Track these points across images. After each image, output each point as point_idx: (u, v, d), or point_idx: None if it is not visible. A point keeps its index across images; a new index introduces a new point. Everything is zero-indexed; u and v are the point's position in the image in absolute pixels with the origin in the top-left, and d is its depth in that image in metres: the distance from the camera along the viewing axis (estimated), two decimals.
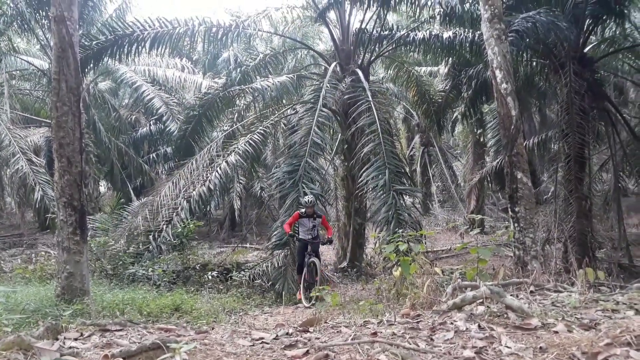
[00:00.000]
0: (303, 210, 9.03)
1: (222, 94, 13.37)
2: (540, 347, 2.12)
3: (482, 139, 17.34)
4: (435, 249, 14.52)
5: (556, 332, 2.30)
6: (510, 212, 7.33)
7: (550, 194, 13.48)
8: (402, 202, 9.62)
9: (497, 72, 7.17)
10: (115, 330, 2.28)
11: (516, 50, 9.89)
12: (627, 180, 14.73)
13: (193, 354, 1.91)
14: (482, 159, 18.08)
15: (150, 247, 10.38)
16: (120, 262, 9.78)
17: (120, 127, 18.20)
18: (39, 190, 12.08)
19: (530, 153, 15.32)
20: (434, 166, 19.08)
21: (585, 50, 10.93)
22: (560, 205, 11.95)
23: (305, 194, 9.51)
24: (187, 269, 10.49)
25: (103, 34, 11.58)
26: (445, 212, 19.69)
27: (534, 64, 11.93)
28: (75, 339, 2.10)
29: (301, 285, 8.68)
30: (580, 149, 11.31)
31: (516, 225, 7.00)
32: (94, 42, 11.43)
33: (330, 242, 9.61)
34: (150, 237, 10.60)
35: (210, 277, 9.69)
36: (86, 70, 12.27)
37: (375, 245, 10.98)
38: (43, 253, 11.97)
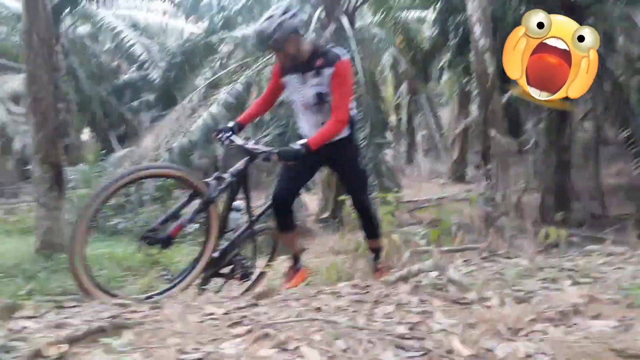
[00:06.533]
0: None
1: (204, 41, 13.12)
2: (470, 323, 2.22)
3: (468, 88, 17.20)
4: (416, 199, 14.72)
5: (489, 307, 2.42)
6: (482, 168, 7.47)
7: (531, 144, 13.60)
8: (381, 156, 9.75)
9: (476, 26, 7.08)
10: (71, 307, 2.40)
11: None
12: (608, 129, 14.82)
13: (140, 334, 2.03)
14: (467, 108, 18.03)
15: (132, 199, 10.46)
16: (102, 215, 9.88)
17: (102, 74, 17.86)
18: (19, 140, 11.99)
19: (516, 101, 15.30)
20: (419, 114, 19.00)
21: None
22: (540, 156, 12.17)
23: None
24: None
25: None
26: (429, 161, 19.82)
27: (523, 10, 11.71)
28: (30, 317, 2.22)
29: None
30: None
31: (488, 181, 7.16)
32: None
33: (295, 157, 3.29)
34: (132, 189, 10.65)
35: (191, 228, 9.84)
36: (62, 14, 12.03)
37: None
38: (25, 204, 12.02)
